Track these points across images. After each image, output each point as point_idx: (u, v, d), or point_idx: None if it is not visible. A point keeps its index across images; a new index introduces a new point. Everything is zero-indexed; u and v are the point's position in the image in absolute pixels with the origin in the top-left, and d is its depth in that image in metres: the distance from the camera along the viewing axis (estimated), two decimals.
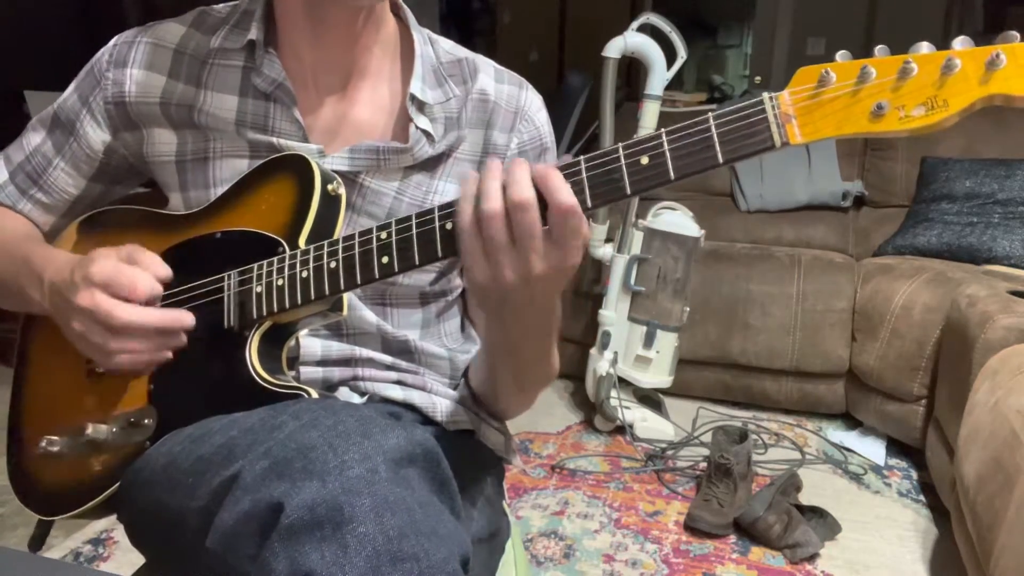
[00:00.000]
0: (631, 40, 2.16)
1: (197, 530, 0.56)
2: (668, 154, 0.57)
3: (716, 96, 4.14)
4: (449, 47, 0.84)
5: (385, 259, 0.64)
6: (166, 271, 0.71)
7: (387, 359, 0.80)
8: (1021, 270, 2.14)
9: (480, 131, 0.81)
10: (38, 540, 0.82)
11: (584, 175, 0.58)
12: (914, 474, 2.05)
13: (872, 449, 2.15)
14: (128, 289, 0.67)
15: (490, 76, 0.83)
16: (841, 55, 0.53)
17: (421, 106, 0.77)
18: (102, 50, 0.80)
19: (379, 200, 0.78)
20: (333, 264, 0.66)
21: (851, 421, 2.32)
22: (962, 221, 2.34)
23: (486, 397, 0.83)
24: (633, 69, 3.91)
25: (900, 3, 3.82)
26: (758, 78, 4.20)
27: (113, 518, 0.75)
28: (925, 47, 0.51)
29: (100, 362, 0.70)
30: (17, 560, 0.61)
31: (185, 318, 0.70)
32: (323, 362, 0.78)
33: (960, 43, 0.50)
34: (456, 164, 0.80)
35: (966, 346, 1.66)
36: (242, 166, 0.77)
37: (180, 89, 0.77)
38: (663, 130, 0.57)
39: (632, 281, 2.21)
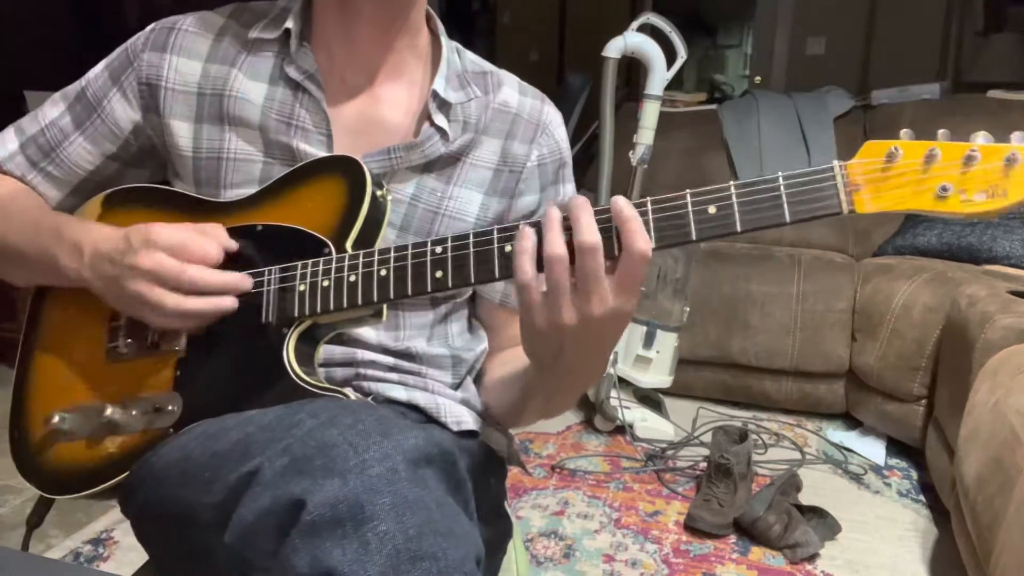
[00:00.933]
0: (631, 40, 2.16)
1: (210, 526, 0.56)
2: (736, 206, 0.58)
3: (716, 96, 4.13)
4: (476, 59, 0.86)
5: (439, 273, 0.65)
6: (233, 244, 0.72)
7: (389, 360, 0.80)
8: (1021, 270, 2.15)
9: (499, 140, 0.82)
10: (37, 517, 0.81)
11: (650, 216, 0.59)
12: (914, 474, 2.05)
13: (872, 449, 2.15)
14: (200, 255, 0.69)
15: (514, 89, 0.85)
16: (905, 133, 0.56)
17: (442, 105, 0.79)
18: (137, 34, 0.81)
19: (395, 207, 0.78)
20: (383, 272, 0.67)
21: (851, 421, 2.33)
22: (962, 221, 2.34)
23: (502, 419, 0.84)
24: (633, 69, 3.91)
25: (900, 3, 3.81)
26: (758, 78, 4.19)
27: (113, 518, 0.74)
28: (983, 137, 0.54)
29: (152, 321, 0.71)
30: (17, 560, 0.61)
31: (246, 282, 0.71)
32: (325, 364, 0.78)
33: (1018, 138, 0.54)
34: (472, 170, 0.81)
35: (966, 346, 1.66)
36: (254, 171, 0.77)
37: (215, 74, 0.78)
38: (732, 183, 0.58)
39: None
